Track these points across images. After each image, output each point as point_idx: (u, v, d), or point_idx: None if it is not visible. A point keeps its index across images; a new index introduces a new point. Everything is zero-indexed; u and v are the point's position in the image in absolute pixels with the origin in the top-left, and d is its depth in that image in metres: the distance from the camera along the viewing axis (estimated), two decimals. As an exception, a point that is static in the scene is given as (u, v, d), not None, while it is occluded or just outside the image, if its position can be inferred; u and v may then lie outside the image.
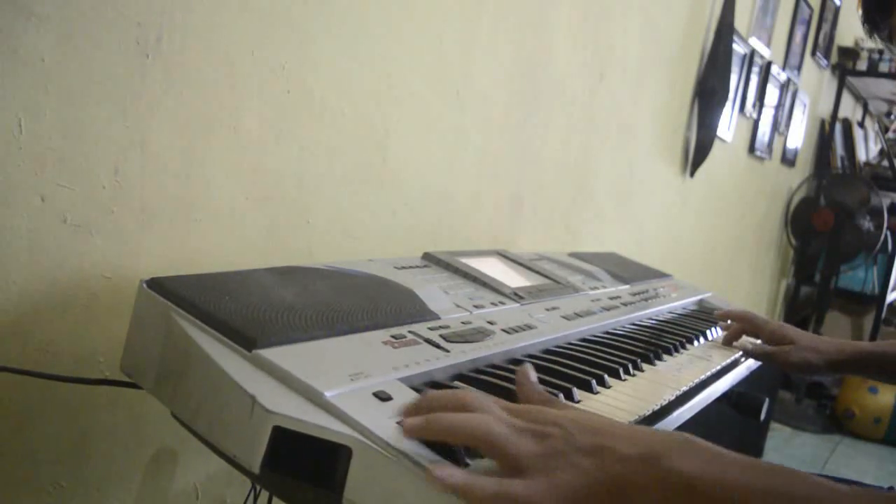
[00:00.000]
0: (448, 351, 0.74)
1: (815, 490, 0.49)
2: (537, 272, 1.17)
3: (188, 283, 0.70)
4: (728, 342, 1.13)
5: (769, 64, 2.96)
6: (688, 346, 1.07)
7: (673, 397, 0.81)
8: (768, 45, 2.89)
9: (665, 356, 0.97)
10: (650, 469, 0.49)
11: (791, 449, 3.30)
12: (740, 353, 1.10)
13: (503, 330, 0.86)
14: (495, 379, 0.72)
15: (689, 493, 0.49)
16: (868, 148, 4.45)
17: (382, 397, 0.59)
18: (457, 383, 0.71)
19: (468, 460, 0.53)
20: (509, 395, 0.68)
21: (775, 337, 1.09)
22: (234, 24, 0.94)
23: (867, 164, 4.24)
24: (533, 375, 0.63)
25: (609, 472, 0.49)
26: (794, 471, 0.51)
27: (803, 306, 4.22)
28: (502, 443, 0.50)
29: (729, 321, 1.17)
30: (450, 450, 0.53)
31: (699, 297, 1.49)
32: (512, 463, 0.50)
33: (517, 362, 0.81)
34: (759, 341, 1.13)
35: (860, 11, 0.82)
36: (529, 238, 1.69)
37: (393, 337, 0.73)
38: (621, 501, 0.49)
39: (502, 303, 0.97)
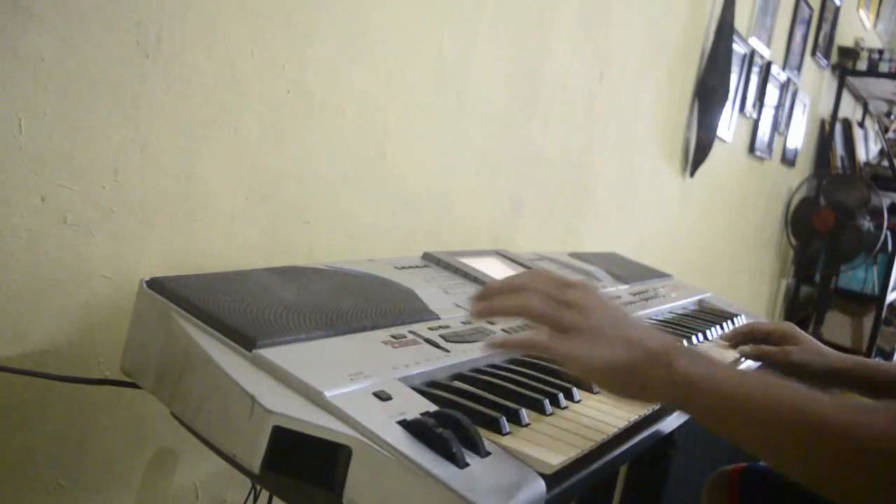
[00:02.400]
0: (448, 351, 0.74)
1: (804, 399, 0.58)
2: (537, 272, 1.17)
3: (188, 283, 0.70)
4: (732, 339, 1.13)
5: (769, 64, 2.96)
6: (687, 345, 1.06)
7: (673, 397, 0.81)
8: (768, 45, 2.89)
9: (665, 356, 0.97)
10: (662, 364, 0.61)
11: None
12: (740, 353, 1.09)
13: (503, 330, 0.86)
14: (495, 379, 0.72)
15: (694, 389, 0.60)
16: (868, 148, 4.45)
17: (382, 397, 0.59)
18: (456, 383, 0.71)
19: (468, 461, 0.54)
20: (510, 395, 0.68)
21: (781, 338, 1.09)
22: (234, 24, 0.94)
23: (867, 164, 4.24)
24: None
25: (636, 359, 0.61)
26: (785, 382, 0.60)
27: (803, 306, 4.21)
28: (552, 314, 0.63)
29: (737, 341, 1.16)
30: (450, 451, 0.53)
31: (699, 297, 1.49)
32: (560, 329, 0.63)
33: (517, 362, 0.81)
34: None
35: None
36: (529, 238, 1.69)
37: (393, 337, 0.73)
38: (639, 382, 0.61)
39: (502, 303, 0.96)
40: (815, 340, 1.08)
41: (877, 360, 1.10)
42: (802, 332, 1.09)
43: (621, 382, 0.62)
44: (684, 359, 0.61)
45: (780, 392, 0.59)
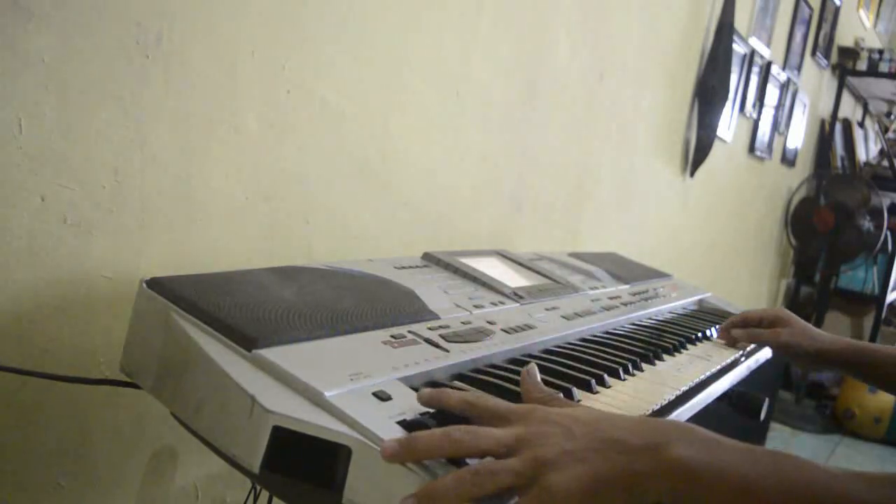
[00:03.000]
0: (448, 351, 0.74)
1: (815, 475, 0.50)
2: (537, 272, 1.17)
3: (188, 283, 0.70)
4: (725, 331, 1.13)
5: (769, 64, 2.96)
6: (688, 345, 1.06)
7: (673, 397, 0.81)
8: (768, 45, 2.89)
9: (665, 356, 0.97)
10: (655, 458, 0.50)
11: (791, 449, 3.30)
12: (740, 353, 1.09)
13: (503, 330, 0.86)
14: (495, 379, 0.72)
15: (692, 479, 0.50)
16: (868, 148, 4.45)
17: (382, 397, 0.59)
18: (456, 383, 0.71)
19: (468, 461, 0.53)
20: (509, 395, 0.68)
21: (773, 321, 1.09)
22: (234, 24, 0.94)
23: (867, 164, 4.24)
24: (536, 374, 0.65)
25: (616, 465, 0.50)
26: (792, 457, 0.52)
27: (803, 306, 4.21)
28: (501, 467, 0.50)
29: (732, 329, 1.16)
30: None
31: (699, 297, 1.49)
32: (523, 479, 0.50)
33: (517, 362, 0.81)
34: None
35: None
36: (529, 238, 1.69)
37: (393, 337, 0.73)
38: (631, 491, 0.50)
39: (502, 303, 0.97)
40: (806, 324, 1.07)
41: (873, 344, 1.09)
42: (793, 315, 1.08)
43: (604, 499, 0.50)
44: (681, 443, 0.51)
45: (797, 474, 0.50)
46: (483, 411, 0.56)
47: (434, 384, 0.69)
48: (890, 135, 4.59)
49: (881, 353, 1.03)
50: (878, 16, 4.80)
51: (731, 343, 1.12)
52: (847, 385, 3.66)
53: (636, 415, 0.72)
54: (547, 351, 0.88)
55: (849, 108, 4.45)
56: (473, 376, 0.73)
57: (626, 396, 0.77)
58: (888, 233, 3.78)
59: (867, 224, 3.74)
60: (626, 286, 1.34)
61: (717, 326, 1.21)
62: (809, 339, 1.04)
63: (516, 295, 1.01)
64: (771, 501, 0.49)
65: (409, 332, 0.76)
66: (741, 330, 1.10)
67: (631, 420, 0.55)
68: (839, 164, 4.10)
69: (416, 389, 0.63)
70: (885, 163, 4.14)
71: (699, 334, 1.13)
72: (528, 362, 0.80)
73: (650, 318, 1.21)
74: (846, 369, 1.06)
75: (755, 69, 2.84)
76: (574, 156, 1.81)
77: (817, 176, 4.03)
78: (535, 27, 1.55)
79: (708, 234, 2.88)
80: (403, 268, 0.98)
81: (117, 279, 0.87)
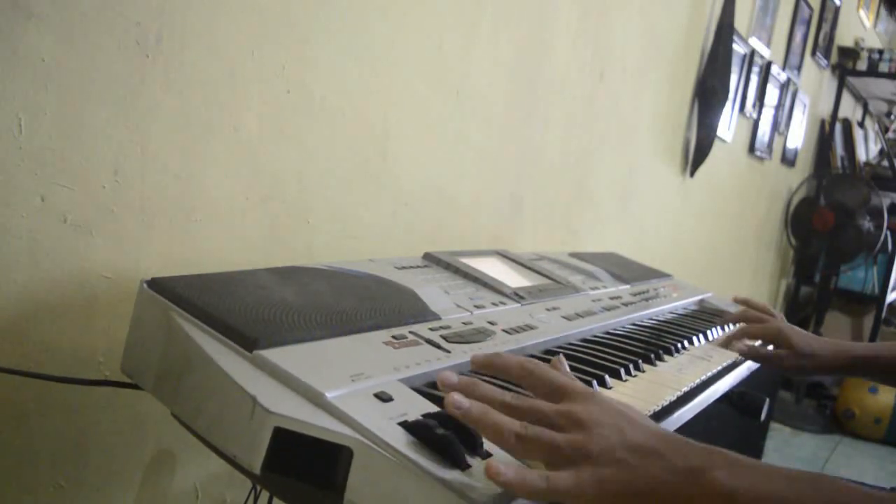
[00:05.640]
0: (449, 351, 0.74)
1: (856, 498, 0.50)
2: (538, 272, 1.17)
3: (189, 283, 0.70)
4: (726, 344, 1.13)
5: (769, 64, 2.96)
6: (688, 346, 1.06)
7: (674, 398, 0.81)
8: (768, 45, 2.89)
9: (666, 356, 0.97)
10: (696, 481, 0.50)
11: (791, 449, 3.30)
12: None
13: (504, 330, 0.86)
14: (496, 380, 0.72)
15: None
16: (868, 148, 4.45)
17: (383, 398, 0.59)
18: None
19: (470, 462, 0.53)
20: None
21: (773, 339, 1.09)
22: (234, 24, 0.94)
23: (867, 164, 4.24)
24: (565, 364, 0.65)
25: (655, 480, 0.51)
26: (833, 479, 0.51)
27: (803, 306, 4.21)
28: (548, 440, 0.52)
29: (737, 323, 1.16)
30: (451, 452, 0.53)
31: (699, 297, 1.49)
32: (558, 455, 0.51)
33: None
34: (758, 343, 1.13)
35: None
36: (529, 238, 1.69)
37: (394, 337, 0.73)
38: None
39: (503, 303, 0.97)
40: (807, 339, 1.07)
41: (868, 344, 1.10)
42: (792, 330, 1.08)
43: None
44: (723, 469, 0.51)
45: (839, 497, 0.50)
46: (539, 381, 0.57)
47: (436, 385, 0.68)
48: (890, 135, 4.59)
49: (883, 356, 1.03)
50: (878, 16, 4.80)
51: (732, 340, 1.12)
52: (847, 385, 3.66)
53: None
54: (548, 351, 0.88)
55: (849, 108, 4.45)
56: (474, 377, 0.73)
57: (627, 397, 0.77)
58: (888, 233, 3.78)
59: (867, 224, 3.74)
60: (627, 286, 1.34)
61: (718, 327, 1.22)
62: (812, 360, 1.05)
63: (517, 295, 1.01)
64: None
65: (411, 332, 0.76)
66: (745, 346, 1.10)
67: (678, 439, 0.54)
68: (839, 164, 4.10)
69: (417, 390, 0.63)
70: (885, 163, 4.13)
71: (700, 334, 1.13)
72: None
73: (651, 319, 1.21)
74: (852, 375, 1.08)
75: (755, 69, 2.84)
76: (574, 156, 1.81)
77: (817, 176, 4.03)
78: (535, 27, 1.55)
79: (708, 234, 2.88)
80: (404, 268, 0.98)
81: (117, 279, 0.87)
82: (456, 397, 0.54)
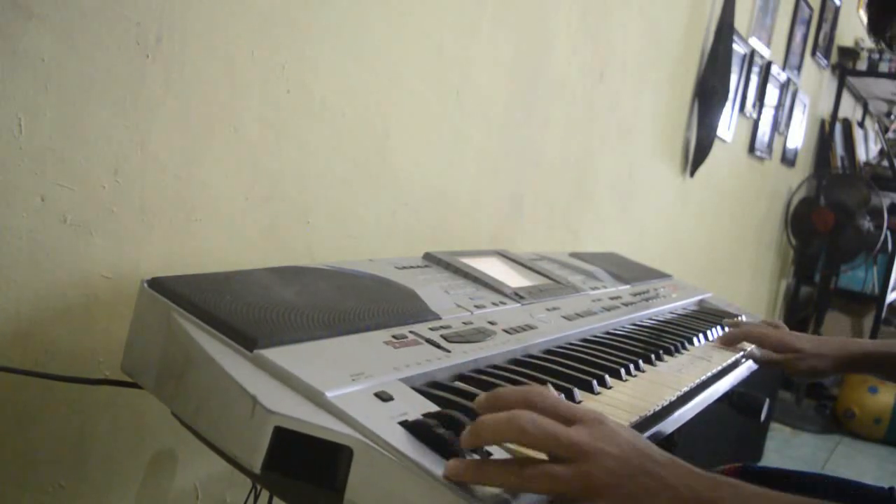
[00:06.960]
0: (449, 351, 0.74)
1: None
2: (538, 272, 1.17)
3: (189, 283, 0.70)
4: (729, 345, 1.13)
5: (769, 64, 2.96)
6: (688, 346, 1.06)
7: (674, 398, 0.81)
8: (768, 45, 2.89)
9: (666, 356, 0.97)
10: None
11: (791, 449, 3.30)
12: (741, 353, 1.09)
13: (504, 330, 0.86)
14: (496, 380, 0.72)
15: None
16: (868, 148, 4.45)
17: (384, 398, 0.59)
18: (457, 384, 0.70)
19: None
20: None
21: (780, 347, 1.10)
22: (234, 24, 0.94)
23: (867, 164, 4.24)
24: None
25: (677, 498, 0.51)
26: None
27: (803, 306, 4.21)
28: (552, 473, 0.51)
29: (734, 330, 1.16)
30: (451, 452, 0.53)
31: (699, 298, 1.49)
32: (566, 488, 0.51)
33: (519, 363, 0.81)
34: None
35: (865, 19, 0.84)
36: (529, 238, 1.69)
37: (394, 337, 0.73)
38: None
39: (503, 303, 0.97)
40: (812, 341, 1.08)
41: (876, 342, 1.12)
42: (798, 338, 1.09)
43: None
44: (732, 502, 0.52)
45: None
46: (542, 411, 0.55)
47: (436, 385, 0.69)
48: (890, 135, 4.58)
49: (891, 353, 1.04)
50: (877, 16, 4.79)
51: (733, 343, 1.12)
52: (847, 385, 3.66)
53: (638, 415, 0.72)
54: (548, 351, 0.88)
55: (849, 108, 4.45)
56: (475, 377, 0.73)
57: (627, 397, 0.77)
58: (888, 233, 3.78)
59: (867, 224, 3.74)
60: (627, 286, 1.34)
61: (718, 327, 1.21)
62: (822, 360, 1.07)
63: (517, 295, 1.01)
64: None
65: (411, 332, 0.76)
66: (757, 353, 1.11)
67: (684, 468, 0.54)
68: (839, 164, 4.10)
69: (417, 390, 0.63)
70: (885, 163, 4.13)
71: (700, 334, 1.13)
72: (529, 362, 0.80)
73: (651, 319, 1.21)
74: (860, 372, 1.11)
75: (755, 69, 2.84)
76: (574, 156, 1.81)
77: (817, 176, 4.03)
78: (535, 27, 1.55)
79: (708, 234, 2.88)
80: (404, 268, 0.98)
81: (117, 279, 0.87)
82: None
